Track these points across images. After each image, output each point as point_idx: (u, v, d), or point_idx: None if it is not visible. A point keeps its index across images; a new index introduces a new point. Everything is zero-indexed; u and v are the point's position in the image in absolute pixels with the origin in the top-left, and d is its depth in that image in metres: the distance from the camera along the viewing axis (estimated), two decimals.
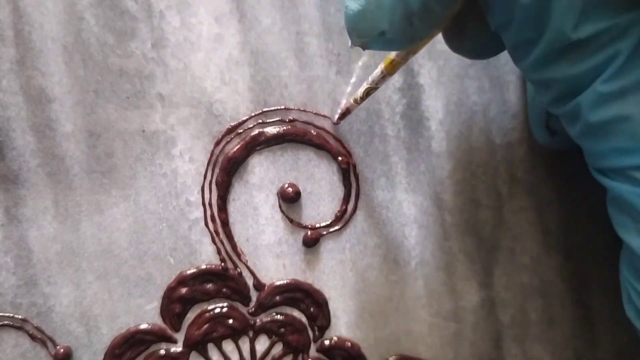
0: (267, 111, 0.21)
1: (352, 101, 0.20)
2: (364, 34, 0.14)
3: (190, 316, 0.21)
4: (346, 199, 0.21)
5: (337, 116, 0.21)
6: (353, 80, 0.20)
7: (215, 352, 0.21)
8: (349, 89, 0.20)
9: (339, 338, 0.22)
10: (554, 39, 0.13)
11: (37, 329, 0.21)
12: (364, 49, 0.15)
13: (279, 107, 0.21)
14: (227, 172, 0.21)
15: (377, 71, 0.18)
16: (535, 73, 0.14)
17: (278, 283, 0.21)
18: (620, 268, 0.15)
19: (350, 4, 0.14)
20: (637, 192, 0.13)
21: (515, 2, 0.13)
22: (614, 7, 0.12)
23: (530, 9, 0.13)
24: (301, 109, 0.21)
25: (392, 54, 0.17)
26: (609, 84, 0.12)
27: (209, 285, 0.21)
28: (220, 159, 0.21)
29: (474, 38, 0.16)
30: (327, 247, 0.22)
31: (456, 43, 0.17)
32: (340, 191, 0.21)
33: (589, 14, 0.12)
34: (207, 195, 0.21)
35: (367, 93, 0.19)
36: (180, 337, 0.21)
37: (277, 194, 0.21)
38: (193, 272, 0.21)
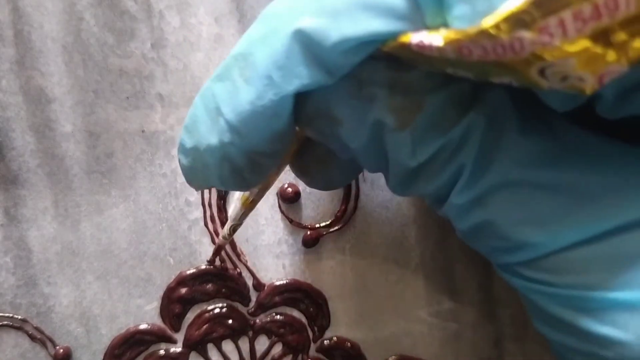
0: None
1: (221, 238, 0.20)
2: (199, 186, 0.14)
3: (190, 316, 0.21)
4: (346, 199, 0.21)
5: (210, 255, 0.21)
6: (230, 213, 0.20)
7: (215, 352, 0.21)
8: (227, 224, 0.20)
9: (339, 338, 0.22)
10: (398, 171, 0.13)
11: (37, 329, 0.21)
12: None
13: None
14: None
15: (238, 209, 0.18)
16: (401, 193, 0.14)
17: (278, 283, 0.21)
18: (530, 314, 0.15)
19: (181, 158, 0.14)
20: (527, 286, 0.13)
21: (348, 147, 0.13)
22: (445, 122, 0.12)
23: (366, 150, 0.13)
24: None
25: (246, 193, 0.18)
26: (462, 195, 0.12)
27: (209, 286, 0.21)
28: None
29: (320, 175, 0.16)
30: (327, 247, 0.22)
31: (305, 180, 0.17)
32: (340, 191, 0.21)
33: (422, 138, 0.12)
34: (206, 196, 0.21)
35: (233, 229, 0.19)
36: (179, 337, 0.21)
37: (277, 194, 0.21)
38: (193, 273, 0.21)
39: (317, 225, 0.21)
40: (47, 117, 0.20)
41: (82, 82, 0.20)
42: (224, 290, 0.21)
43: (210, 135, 0.13)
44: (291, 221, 0.21)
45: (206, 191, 0.21)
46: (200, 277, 0.21)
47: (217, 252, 0.21)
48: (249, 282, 0.21)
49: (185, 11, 0.21)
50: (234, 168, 0.13)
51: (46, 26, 0.20)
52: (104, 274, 0.21)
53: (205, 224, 0.21)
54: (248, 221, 0.21)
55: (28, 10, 0.20)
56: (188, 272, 0.21)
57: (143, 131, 0.21)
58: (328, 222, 0.21)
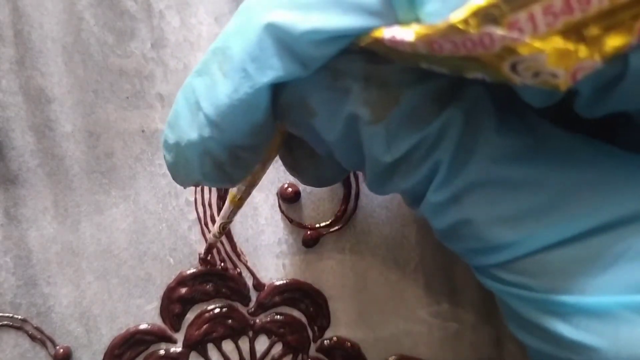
0: None
1: (212, 236, 0.20)
2: (184, 182, 0.14)
3: (190, 316, 0.21)
4: (346, 199, 0.21)
5: (201, 255, 0.21)
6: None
7: (215, 352, 0.21)
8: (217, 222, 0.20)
9: (339, 338, 0.22)
10: (373, 167, 0.13)
11: (37, 329, 0.21)
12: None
13: None
14: None
15: (226, 207, 0.18)
16: (377, 191, 0.14)
17: (278, 283, 0.21)
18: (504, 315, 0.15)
19: (164, 154, 0.14)
20: (502, 289, 0.13)
21: (323, 140, 0.13)
22: (422, 117, 0.12)
23: (341, 144, 0.13)
24: None
25: (234, 190, 0.17)
26: (438, 193, 0.12)
27: (209, 286, 0.21)
28: None
29: (311, 171, 0.16)
30: (327, 247, 0.22)
31: (296, 176, 0.17)
32: (340, 191, 0.21)
33: (397, 133, 0.12)
34: (206, 196, 0.21)
35: (223, 227, 0.19)
36: (180, 337, 0.21)
37: (277, 194, 0.21)
38: (193, 272, 0.21)
39: (317, 225, 0.21)
40: (47, 117, 0.20)
41: (82, 82, 0.20)
42: (224, 290, 0.21)
43: (191, 130, 0.13)
44: (291, 221, 0.21)
45: (206, 191, 0.21)
46: (200, 277, 0.21)
47: (208, 250, 0.21)
48: (249, 282, 0.21)
49: (185, 11, 0.21)
50: (215, 163, 0.13)
51: (46, 26, 0.20)
52: (104, 274, 0.21)
53: (205, 224, 0.21)
54: (248, 221, 0.21)
55: (28, 10, 0.20)
56: (188, 272, 0.21)
57: (143, 131, 0.21)
58: (328, 222, 0.21)
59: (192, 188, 0.21)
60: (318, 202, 0.21)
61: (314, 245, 0.21)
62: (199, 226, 0.21)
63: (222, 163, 0.13)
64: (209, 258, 0.21)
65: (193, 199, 0.21)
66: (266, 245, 0.21)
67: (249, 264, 0.21)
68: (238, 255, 0.21)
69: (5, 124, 0.20)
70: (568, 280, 0.11)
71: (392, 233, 0.22)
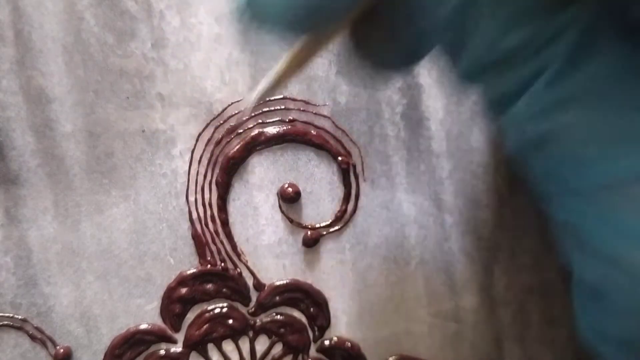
0: (267, 111, 0.21)
1: (246, 109, 0.18)
2: (264, 15, 0.13)
3: (190, 316, 0.21)
4: (346, 199, 0.21)
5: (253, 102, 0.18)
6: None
7: (215, 352, 0.21)
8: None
9: (339, 338, 0.22)
10: (473, 55, 0.12)
11: (37, 329, 0.21)
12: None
13: (279, 107, 0.21)
14: (227, 172, 0.21)
15: (277, 69, 0.16)
16: (468, 81, 0.13)
17: (278, 283, 0.21)
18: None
19: None
20: (579, 216, 0.12)
21: (432, 11, 0.12)
22: (546, 8, 0.11)
23: (448, 20, 0.12)
24: (301, 109, 0.21)
25: (293, 50, 0.15)
26: (538, 98, 0.11)
27: (209, 286, 0.21)
28: (220, 159, 0.21)
29: (377, 49, 0.14)
30: (327, 247, 0.22)
31: (359, 52, 0.15)
32: (340, 191, 0.21)
33: (517, 19, 0.11)
34: (207, 195, 0.21)
35: (278, 80, 0.16)
36: (180, 337, 0.21)
37: (277, 194, 0.21)
38: (193, 272, 0.21)
39: (317, 225, 0.21)
40: (47, 117, 0.20)
41: (82, 82, 0.20)
42: (224, 290, 0.21)
43: None
44: (291, 221, 0.21)
45: (206, 191, 0.21)
46: (200, 277, 0.21)
47: (260, 98, 0.17)
48: (249, 282, 0.21)
49: (185, 11, 0.21)
50: None
51: (46, 26, 0.20)
52: (104, 274, 0.21)
53: (205, 224, 0.21)
54: (248, 221, 0.21)
55: (28, 10, 0.20)
56: (188, 272, 0.21)
57: (143, 131, 0.21)
58: (328, 222, 0.21)
59: (192, 188, 0.21)
60: (318, 202, 0.21)
61: (314, 245, 0.21)
62: (199, 226, 0.21)
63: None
64: (208, 258, 0.21)
65: (193, 199, 0.21)
66: (266, 245, 0.21)
67: (249, 264, 0.21)
68: (238, 255, 0.21)
69: (6, 124, 0.20)
70: None
71: (392, 233, 0.22)
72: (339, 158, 0.21)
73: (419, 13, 0.12)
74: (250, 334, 0.21)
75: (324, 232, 0.21)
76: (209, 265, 0.21)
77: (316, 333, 0.22)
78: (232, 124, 0.21)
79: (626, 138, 0.11)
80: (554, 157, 0.12)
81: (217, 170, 0.21)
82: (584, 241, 0.12)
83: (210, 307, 0.21)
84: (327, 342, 0.22)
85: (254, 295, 0.22)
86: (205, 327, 0.21)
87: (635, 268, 0.11)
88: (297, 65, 0.15)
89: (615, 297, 0.11)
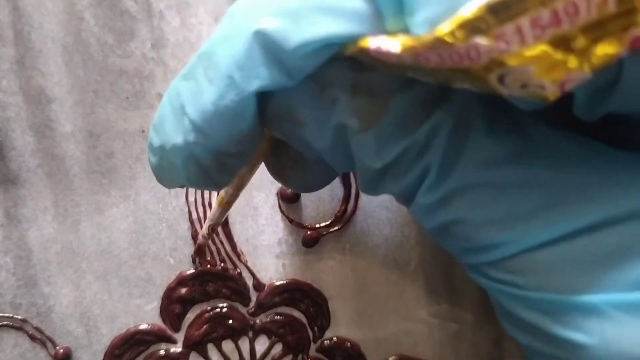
0: None
1: (201, 237, 0.20)
2: (168, 185, 0.14)
3: (190, 316, 0.21)
4: (346, 199, 0.21)
5: (192, 255, 0.21)
6: (209, 213, 0.20)
7: (215, 352, 0.21)
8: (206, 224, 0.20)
9: (339, 338, 0.22)
10: (364, 172, 0.13)
11: (37, 329, 0.21)
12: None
13: None
14: None
15: (214, 210, 0.18)
16: (370, 193, 0.14)
17: (278, 283, 0.21)
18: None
19: (150, 156, 0.14)
20: (494, 287, 0.13)
21: (313, 148, 0.13)
22: (411, 122, 0.12)
23: (331, 151, 0.13)
24: None
25: (222, 193, 0.17)
26: (428, 196, 0.12)
27: (209, 286, 0.21)
28: None
29: (295, 176, 0.16)
30: (327, 247, 0.22)
31: (281, 181, 0.16)
32: (340, 191, 0.21)
33: (387, 139, 0.12)
34: (206, 196, 0.21)
35: (212, 229, 0.19)
36: (180, 337, 0.21)
37: (277, 194, 0.21)
38: (193, 273, 0.21)
39: (317, 225, 0.21)
40: (47, 117, 0.20)
41: (82, 82, 0.20)
42: (224, 290, 0.21)
43: (176, 135, 0.12)
44: (291, 221, 0.21)
45: (206, 191, 0.21)
46: (200, 277, 0.21)
47: (198, 251, 0.21)
48: (249, 282, 0.21)
49: (185, 11, 0.21)
50: (200, 168, 0.13)
51: (46, 26, 0.20)
52: (104, 274, 0.21)
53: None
54: (248, 221, 0.21)
55: (28, 10, 0.20)
56: (188, 272, 0.21)
57: (143, 131, 0.21)
58: (328, 222, 0.21)
59: (192, 188, 0.21)
60: (318, 202, 0.21)
61: (314, 245, 0.21)
62: (199, 226, 0.21)
63: (207, 168, 0.13)
64: (208, 259, 0.21)
65: (193, 199, 0.21)
66: (266, 245, 0.21)
67: (249, 264, 0.21)
68: (238, 255, 0.21)
69: (5, 124, 0.20)
70: (557, 279, 0.12)
71: (392, 233, 0.22)
72: None
73: (306, 147, 0.13)
74: (250, 334, 0.21)
75: (324, 232, 0.21)
76: (208, 265, 0.21)
77: (316, 333, 0.22)
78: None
79: (513, 218, 0.12)
80: (456, 243, 0.13)
81: None
82: (505, 313, 0.13)
83: (210, 307, 0.21)
84: (327, 342, 0.22)
85: (253, 295, 0.22)
86: (205, 327, 0.21)
87: (549, 336, 0.12)
88: (233, 197, 0.17)
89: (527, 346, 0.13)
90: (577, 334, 0.11)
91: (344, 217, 0.21)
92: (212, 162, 0.13)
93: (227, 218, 0.21)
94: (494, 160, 0.12)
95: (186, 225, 0.21)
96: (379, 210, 0.22)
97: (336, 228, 0.21)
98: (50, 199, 0.21)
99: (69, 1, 0.20)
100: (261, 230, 0.21)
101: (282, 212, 0.21)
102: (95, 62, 0.20)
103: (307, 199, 0.21)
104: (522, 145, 0.12)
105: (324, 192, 0.21)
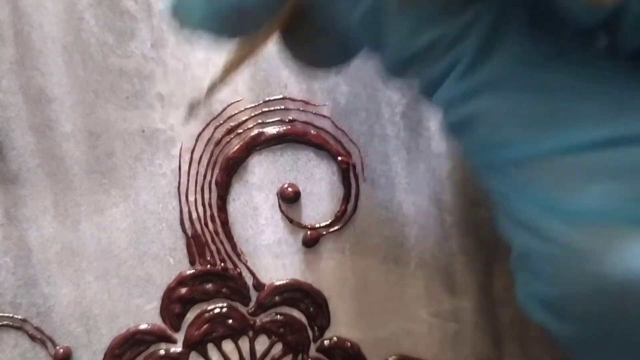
0: (266, 111, 0.21)
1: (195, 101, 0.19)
2: (185, 20, 0.14)
3: (190, 316, 0.21)
4: (346, 199, 0.21)
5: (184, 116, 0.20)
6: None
7: (215, 352, 0.21)
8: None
9: (338, 338, 0.22)
10: (392, 54, 0.13)
11: (37, 329, 0.21)
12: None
13: (278, 108, 0.21)
14: (226, 172, 0.21)
15: (215, 73, 0.17)
16: (394, 76, 0.14)
17: (278, 283, 0.21)
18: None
19: None
20: (505, 187, 0.13)
21: (346, 17, 0.12)
22: (450, 10, 0.12)
23: (363, 24, 0.12)
24: (301, 109, 0.21)
25: (229, 55, 0.16)
26: (455, 86, 0.12)
27: (209, 286, 0.21)
28: (219, 159, 0.21)
29: (309, 49, 0.15)
30: (327, 247, 0.22)
31: (292, 52, 0.16)
32: (340, 191, 0.21)
33: (424, 22, 0.12)
34: (206, 196, 0.21)
35: (211, 88, 0.17)
36: (180, 337, 0.21)
37: (277, 194, 0.21)
38: (193, 272, 0.21)
39: (317, 225, 0.21)
40: (47, 117, 0.20)
41: (82, 82, 0.20)
42: (224, 290, 0.21)
43: None
44: (291, 221, 0.21)
45: (206, 191, 0.21)
46: (200, 277, 0.21)
47: (191, 109, 0.20)
48: (249, 282, 0.21)
49: None
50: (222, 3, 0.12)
51: (46, 26, 0.20)
52: (104, 274, 0.21)
53: (205, 224, 0.21)
54: (248, 221, 0.21)
55: (28, 10, 0.20)
56: (188, 272, 0.21)
57: (143, 131, 0.21)
58: (328, 222, 0.21)
59: (192, 188, 0.21)
60: (318, 202, 0.21)
61: (314, 245, 0.21)
62: (199, 226, 0.21)
63: (229, 9, 0.13)
64: (208, 258, 0.21)
65: (193, 199, 0.21)
66: (266, 245, 0.21)
67: (249, 264, 0.21)
68: (238, 255, 0.21)
69: (5, 124, 0.20)
70: (573, 186, 0.12)
71: (392, 233, 0.22)
72: (339, 158, 0.21)
73: (336, 17, 0.13)
74: (250, 334, 0.21)
75: (324, 232, 0.21)
76: (208, 265, 0.21)
77: (316, 333, 0.22)
78: (231, 124, 0.21)
79: (538, 118, 0.12)
80: (477, 137, 0.13)
81: (216, 170, 0.21)
82: (509, 212, 0.13)
83: (210, 307, 0.21)
84: (327, 342, 0.22)
85: (253, 295, 0.22)
86: (205, 327, 0.21)
87: (552, 235, 0.12)
88: (240, 60, 0.16)
89: (537, 263, 0.13)
90: (583, 238, 0.11)
91: (344, 217, 0.21)
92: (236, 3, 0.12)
93: (226, 218, 0.21)
94: (528, 59, 0.12)
95: (186, 225, 0.21)
96: (379, 210, 0.22)
97: (336, 228, 0.21)
98: (50, 198, 0.21)
99: (69, 1, 0.20)
100: (261, 230, 0.21)
101: (282, 212, 0.21)
102: (95, 62, 0.20)
103: (307, 199, 0.21)
104: (557, 50, 0.12)
105: (324, 192, 0.21)
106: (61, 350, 0.21)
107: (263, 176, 0.21)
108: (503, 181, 0.13)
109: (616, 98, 0.12)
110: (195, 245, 0.21)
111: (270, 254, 0.21)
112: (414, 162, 0.22)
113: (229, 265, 0.21)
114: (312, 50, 0.15)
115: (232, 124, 0.21)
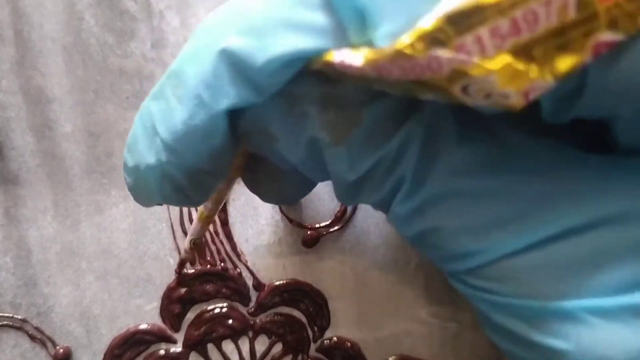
0: None
1: (184, 252, 0.20)
2: (146, 203, 0.14)
3: (190, 316, 0.21)
4: None
5: (175, 269, 0.21)
6: (190, 228, 0.20)
7: (215, 352, 0.21)
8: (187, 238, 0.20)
9: (338, 338, 0.22)
10: (339, 183, 0.13)
11: (37, 329, 0.21)
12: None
13: None
14: None
15: (195, 224, 0.18)
16: (347, 202, 0.14)
17: (278, 283, 0.21)
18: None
19: (125, 176, 0.14)
20: (473, 294, 0.13)
21: (288, 161, 0.13)
22: (383, 134, 0.12)
23: (306, 164, 0.13)
24: None
25: (202, 207, 0.17)
26: (403, 205, 0.13)
27: (209, 286, 0.21)
28: None
29: (272, 189, 0.16)
30: (327, 247, 0.22)
31: (258, 194, 0.16)
32: None
33: (359, 152, 0.12)
34: None
35: (194, 243, 0.19)
36: (180, 337, 0.21)
37: None
38: (193, 273, 0.21)
39: (317, 225, 0.21)
40: (47, 117, 0.20)
41: (82, 82, 0.20)
42: (224, 290, 0.21)
43: (149, 155, 0.12)
44: (291, 221, 0.21)
45: None
46: (200, 277, 0.21)
47: (181, 265, 0.21)
48: (249, 282, 0.21)
49: (185, 11, 0.21)
50: (175, 186, 0.13)
51: (46, 26, 0.20)
52: (104, 274, 0.21)
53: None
54: (248, 221, 0.21)
55: (28, 10, 0.20)
56: (188, 272, 0.21)
57: None
58: (328, 222, 0.21)
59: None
60: (318, 202, 0.21)
61: (314, 245, 0.21)
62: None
63: (183, 186, 0.13)
64: (208, 258, 0.21)
65: None
66: (266, 245, 0.21)
67: (249, 264, 0.21)
68: (238, 255, 0.21)
69: (5, 124, 0.20)
70: (532, 286, 0.12)
71: (392, 233, 0.22)
72: None
73: (282, 162, 0.13)
74: (250, 334, 0.21)
75: (324, 232, 0.21)
76: (208, 266, 0.21)
77: (316, 333, 0.22)
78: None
79: (484, 226, 0.12)
80: (431, 252, 0.13)
81: None
82: (482, 317, 0.14)
83: (210, 307, 0.21)
84: (327, 342, 0.22)
85: (253, 295, 0.22)
86: (205, 327, 0.21)
87: (524, 340, 0.12)
88: (213, 212, 0.18)
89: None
90: (554, 339, 0.12)
91: (344, 217, 0.21)
92: (187, 180, 0.13)
93: (227, 218, 0.21)
94: (466, 169, 0.12)
95: (186, 225, 0.21)
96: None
97: (336, 228, 0.21)
98: (50, 199, 0.21)
99: (69, 1, 0.20)
100: (261, 230, 0.21)
101: (282, 212, 0.21)
102: (95, 62, 0.20)
103: (307, 199, 0.21)
104: (494, 153, 0.12)
105: (324, 192, 0.21)
106: (61, 351, 0.21)
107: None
108: (469, 289, 0.13)
109: (560, 190, 0.12)
110: None
111: (270, 254, 0.21)
112: None
113: (229, 265, 0.21)
114: (275, 187, 0.16)
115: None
